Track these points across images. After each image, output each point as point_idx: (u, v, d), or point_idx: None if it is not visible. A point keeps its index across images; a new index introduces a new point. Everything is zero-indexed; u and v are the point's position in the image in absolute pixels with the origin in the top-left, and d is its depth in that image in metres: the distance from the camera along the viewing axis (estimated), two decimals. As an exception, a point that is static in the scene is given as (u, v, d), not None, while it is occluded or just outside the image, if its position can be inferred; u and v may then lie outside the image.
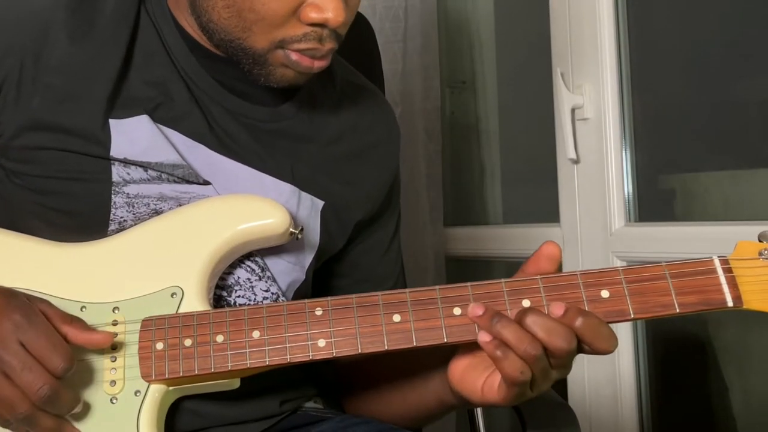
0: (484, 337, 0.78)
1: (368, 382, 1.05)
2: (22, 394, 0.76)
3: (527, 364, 0.77)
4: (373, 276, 1.10)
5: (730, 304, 0.80)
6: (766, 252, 0.81)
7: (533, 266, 0.84)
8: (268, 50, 0.90)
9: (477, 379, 0.84)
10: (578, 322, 0.77)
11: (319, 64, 0.92)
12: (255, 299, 0.95)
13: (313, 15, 0.87)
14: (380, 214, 1.10)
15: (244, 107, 0.99)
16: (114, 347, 0.84)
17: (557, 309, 0.78)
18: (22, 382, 0.76)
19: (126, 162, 0.92)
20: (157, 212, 0.93)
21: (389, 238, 1.13)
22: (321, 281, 1.08)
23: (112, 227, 0.92)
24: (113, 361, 0.84)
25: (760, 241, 0.82)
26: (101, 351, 0.84)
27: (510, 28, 2.22)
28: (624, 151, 1.65)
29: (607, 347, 0.79)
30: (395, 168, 1.12)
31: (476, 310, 0.79)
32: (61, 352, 0.78)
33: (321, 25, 0.88)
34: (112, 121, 0.92)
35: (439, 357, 0.90)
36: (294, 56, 0.90)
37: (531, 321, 0.77)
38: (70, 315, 0.82)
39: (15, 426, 0.78)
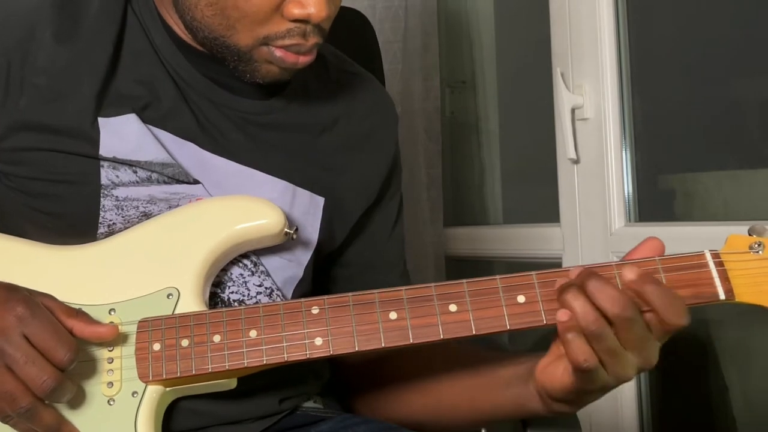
0: (561, 316, 0.77)
1: (391, 382, 1.03)
2: (25, 387, 0.76)
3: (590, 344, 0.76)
4: (377, 263, 1.09)
5: (722, 297, 0.80)
6: (756, 245, 0.81)
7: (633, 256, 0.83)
8: (253, 47, 0.90)
9: (558, 365, 0.82)
10: (649, 288, 0.76)
11: (303, 60, 0.92)
12: (248, 294, 0.94)
13: (296, 11, 0.87)
14: (380, 198, 1.09)
15: (234, 101, 0.98)
16: (111, 348, 0.84)
17: (630, 273, 0.78)
18: (25, 375, 0.76)
19: (115, 161, 0.92)
20: (146, 215, 0.92)
21: (392, 223, 1.11)
22: (325, 271, 1.07)
23: (101, 230, 0.92)
24: (110, 363, 0.84)
25: (750, 234, 0.82)
26: (98, 352, 0.84)
27: (510, 28, 2.22)
28: (624, 151, 1.65)
29: (678, 320, 0.77)
30: (394, 153, 1.11)
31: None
32: (66, 343, 0.78)
33: (304, 20, 0.88)
34: (101, 120, 0.92)
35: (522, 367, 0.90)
36: (278, 53, 0.90)
37: (593, 288, 0.75)
38: (74, 309, 0.83)
39: (15, 421, 0.78)
